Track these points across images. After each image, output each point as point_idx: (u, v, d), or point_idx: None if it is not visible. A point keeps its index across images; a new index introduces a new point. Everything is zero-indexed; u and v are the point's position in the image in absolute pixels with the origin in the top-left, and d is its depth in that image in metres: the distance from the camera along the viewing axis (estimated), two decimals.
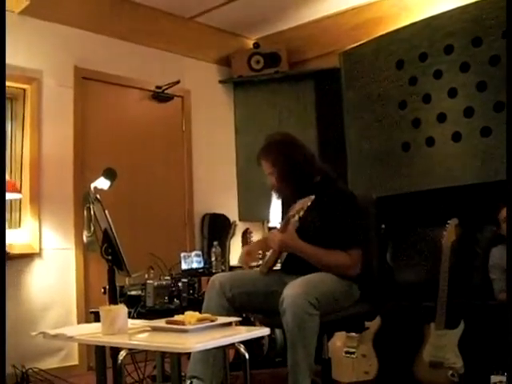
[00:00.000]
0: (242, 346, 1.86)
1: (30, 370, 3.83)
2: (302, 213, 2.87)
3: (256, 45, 5.45)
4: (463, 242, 3.50)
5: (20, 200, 4.18)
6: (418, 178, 3.94)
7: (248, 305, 3.00)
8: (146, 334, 1.97)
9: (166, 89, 5.06)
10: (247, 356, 1.86)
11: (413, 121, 3.98)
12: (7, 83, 4.12)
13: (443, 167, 3.81)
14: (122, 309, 2.01)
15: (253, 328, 2.17)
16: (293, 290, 2.67)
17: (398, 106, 4.07)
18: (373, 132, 4.23)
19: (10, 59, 4.11)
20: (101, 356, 3.24)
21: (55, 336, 2.08)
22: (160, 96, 5.10)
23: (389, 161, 4.12)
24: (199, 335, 1.86)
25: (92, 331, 2.06)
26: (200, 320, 1.94)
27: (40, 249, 4.21)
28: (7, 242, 3.88)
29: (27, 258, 4.13)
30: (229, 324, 2.01)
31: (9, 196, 3.95)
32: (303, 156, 3.10)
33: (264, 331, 2.03)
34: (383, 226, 3.72)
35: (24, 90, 4.29)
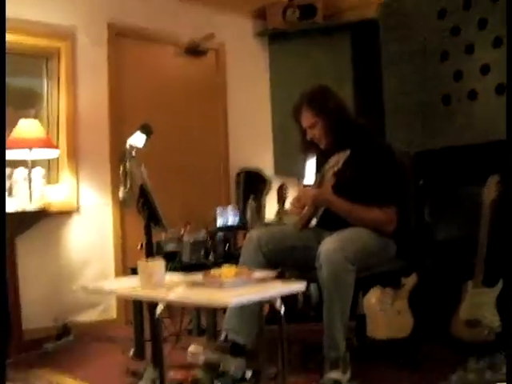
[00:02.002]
0: (277, 300, 1.86)
1: (71, 323, 3.92)
2: (336, 168, 2.85)
3: None
4: (504, 200, 3.42)
5: (58, 157, 4.21)
6: (459, 133, 3.83)
7: (284, 260, 3.01)
8: (182, 289, 1.98)
9: (200, 43, 5.00)
10: (283, 311, 1.85)
11: (454, 73, 3.84)
12: (42, 41, 4.15)
13: (486, 121, 3.69)
14: (159, 263, 2.03)
15: (289, 283, 2.16)
16: (329, 245, 2.67)
17: (439, 57, 3.93)
18: (412, 85, 4.11)
19: (43, 17, 4.12)
20: (138, 310, 3.32)
21: (95, 290, 2.11)
22: (194, 50, 5.04)
23: (428, 115, 4.01)
24: (235, 290, 1.87)
25: (130, 285, 2.08)
26: (236, 274, 1.94)
27: (78, 205, 4.26)
28: (47, 199, 3.95)
29: (65, 214, 4.19)
30: (265, 279, 2.01)
31: (47, 153, 3.99)
32: (343, 107, 3.08)
33: (300, 286, 2.03)
34: (421, 181, 3.65)
35: (58, 47, 4.27)
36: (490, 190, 3.30)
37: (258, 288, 1.89)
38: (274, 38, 5.44)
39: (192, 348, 2.83)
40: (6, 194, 3.79)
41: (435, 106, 3.97)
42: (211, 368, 2.61)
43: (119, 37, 4.60)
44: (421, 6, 4.04)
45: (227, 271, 1.95)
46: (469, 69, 3.77)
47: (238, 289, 1.87)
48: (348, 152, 2.81)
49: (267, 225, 4.22)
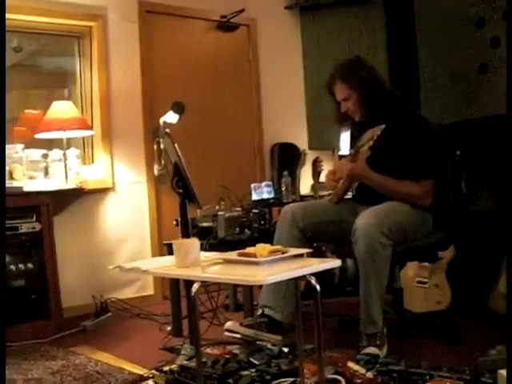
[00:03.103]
0: (312, 277, 1.85)
1: (109, 300, 3.98)
2: (371, 142, 2.81)
3: None
4: None
5: (92, 136, 4.25)
6: (496, 102, 3.75)
7: (320, 235, 3.00)
8: (218, 267, 1.99)
9: (231, 18, 4.96)
10: (318, 288, 1.84)
11: (491, 40, 3.75)
12: (73, 22, 4.19)
13: None
14: (194, 242, 2.03)
15: (324, 259, 2.15)
16: (365, 219, 2.64)
17: (475, 24, 3.83)
18: (447, 54, 4.02)
19: None
20: (175, 287, 3.36)
21: (131, 269, 2.13)
22: (225, 26, 5.02)
23: (464, 84, 3.93)
24: (271, 267, 1.86)
25: (166, 264, 2.10)
26: (271, 252, 1.93)
27: (113, 183, 4.30)
28: (82, 178, 4.00)
29: (101, 192, 4.23)
30: (300, 255, 2.00)
31: (81, 133, 4.04)
32: (378, 79, 3.03)
33: (335, 263, 2.01)
34: (458, 152, 3.59)
35: (90, 27, 4.29)
36: None
37: (292, 265, 1.88)
38: (306, 9, 5.36)
39: (228, 325, 2.86)
40: (42, 174, 3.86)
41: (471, 74, 3.88)
42: (248, 344, 2.63)
43: (150, 14, 4.60)
44: None
45: (262, 249, 1.94)
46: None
47: (273, 266, 1.86)
48: (383, 126, 2.76)
49: (302, 199, 4.20)
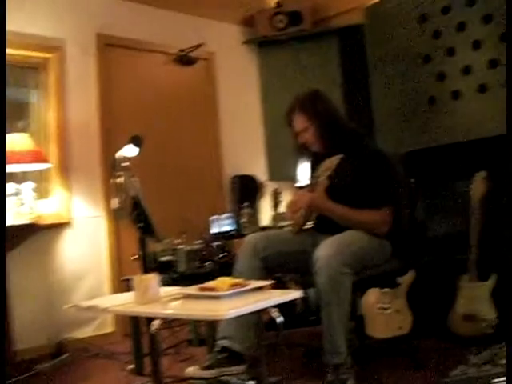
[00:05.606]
0: (274, 310, 1.85)
1: (65, 341, 3.83)
2: (329, 172, 2.86)
3: (278, 4, 5.31)
4: (493, 195, 3.45)
5: (49, 170, 4.17)
6: (445, 132, 3.92)
7: (281, 265, 3.02)
8: (178, 302, 1.98)
9: (190, 52, 4.99)
10: (280, 320, 1.85)
11: (438, 75, 3.97)
12: (30, 53, 4.12)
13: (470, 120, 3.79)
14: (153, 278, 2.02)
15: (285, 291, 2.16)
16: (325, 250, 2.67)
17: (422, 60, 4.04)
18: (398, 88, 4.20)
19: (32, 28, 4.10)
20: (135, 324, 3.30)
21: (88, 308, 2.10)
22: (184, 59, 5.04)
23: (415, 116, 4.10)
24: (232, 301, 1.86)
25: (125, 301, 2.07)
26: (232, 285, 1.94)
27: (70, 218, 4.21)
28: (37, 213, 3.90)
29: (58, 227, 4.13)
30: (261, 288, 2.00)
31: (38, 166, 3.96)
32: (335, 111, 3.11)
33: (296, 294, 2.02)
34: (412, 180, 3.68)
35: (47, 59, 4.23)
36: (477, 186, 3.35)
37: (253, 298, 1.88)
38: (263, 45, 5.45)
39: (189, 372, 2.80)
40: None
41: (421, 107, 4.05)
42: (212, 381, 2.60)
43: (108, 47, 4.59)
44: (402, 12, 4.15)
45: (222, 282, 1.94)
46: (451, 70, 3.89)
47: (234, 300, 1.86)
48: (340, 156, 2.82)
49: (263, 230, 4.22)
